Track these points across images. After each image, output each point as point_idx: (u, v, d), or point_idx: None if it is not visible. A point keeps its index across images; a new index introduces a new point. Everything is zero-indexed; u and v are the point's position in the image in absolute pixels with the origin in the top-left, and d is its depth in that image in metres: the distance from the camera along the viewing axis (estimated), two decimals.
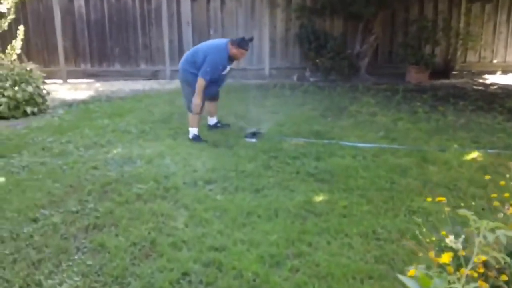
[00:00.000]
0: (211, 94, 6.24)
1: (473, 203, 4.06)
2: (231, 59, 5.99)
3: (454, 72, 11.62)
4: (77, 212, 4.05)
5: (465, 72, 11.77)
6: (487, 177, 3.25)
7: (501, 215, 1.97)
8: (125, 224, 3.76)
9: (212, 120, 6.72)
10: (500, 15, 11.91)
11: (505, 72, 11.95)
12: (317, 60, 10.81)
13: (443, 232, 1.83)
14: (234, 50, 5.89)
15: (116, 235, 3.60)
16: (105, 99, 9.05)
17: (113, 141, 6.13)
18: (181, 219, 3.87)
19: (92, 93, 9.79)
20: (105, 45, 11.37)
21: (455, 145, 5.74)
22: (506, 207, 1.85)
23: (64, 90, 10.16)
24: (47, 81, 10.54)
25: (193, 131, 6.11)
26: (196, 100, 5.91)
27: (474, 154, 5.43)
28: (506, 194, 2.23)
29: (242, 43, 5.92)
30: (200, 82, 5.83)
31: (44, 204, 4.18)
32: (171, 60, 11.38)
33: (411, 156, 5.35)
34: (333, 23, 11.43)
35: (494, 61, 12.15)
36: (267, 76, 11.48)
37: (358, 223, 3.75)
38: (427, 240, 2.32)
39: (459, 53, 11.75)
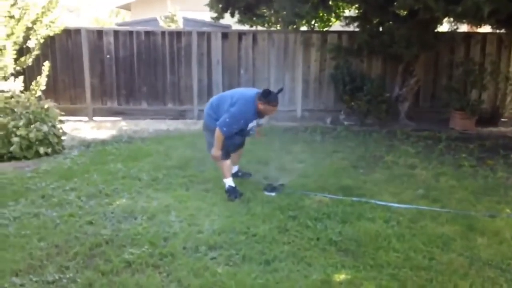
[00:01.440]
0: (235, 145, 5.60)
1: None
2: (259, 114, 5.24)
3: (503, 120, 10.74)
4: (52, 282, 3.43)
5: None
6: None
7: None
8: None
9: (233, 168, 6.06)
10: None
11: None
12: (353, 103, 10.14)
13: None
14: (261, 106, 5.10)
15: None
16: (126, 139, 8.61)
17: (120, 189, 5.56)
18: None
19: (114, 132, 9.38)
20: (133, 82, 11.06)
21: (508, 210, 4.90)
22: None
23: (87, 128, 9.82)
24: (72, 118, 10.35)
25: (227, 182, 5.37)
26: (215, 151, 5.25)
27: None
28: None
29: (270, 98, 5.05)
30: (217, 133, 5.15)
31: (19, 270, 3.59)
32: (199, 100, 10.97)
33: (455, 223, 4.51)
34: (371, 64, 10.85)
35: None
36: (299, 118, 10.91)
37: None
38: None
39: (508, 99, 10.85)
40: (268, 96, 5.07)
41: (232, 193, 5.27)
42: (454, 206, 5.07)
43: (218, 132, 5.14)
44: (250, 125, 5.30)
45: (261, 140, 5.92)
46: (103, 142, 8.31)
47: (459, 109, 10.07)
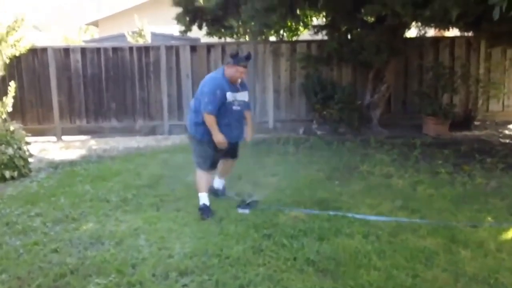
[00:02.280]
0: (230, 137, 5.23)
1: None
2: (233, 83, 5.12)
3: (476, 123, 10.75)
4: None
5: (488, 123, 10.92)
6: None
7: None
8: None
9: (219, 182, 5.78)
10: None
11: None
12: (325, 112, 10.04)
13: None
14: (228, 70, 5.07)
15: None
16: (95, 159, 8.36)
17: (87, 213, 5.31)
18: None
19: (83, 152, 9.10)
20: (102, 100, 10.83)
21: (489, 218, 4.78)
22: None
23: (55, 149, 9.52)
24: (40, 139, 10.05)
25: (202, 198, 5.18)
26: (216, 137, 5.06)
27: None
28: None
29: (237, 58, 5.04)
30: (206, 117, 5.02)
31: None
32: (169, 115, 10.82)
33: (436, 235, 4.35)
34: (341, 72, 10.81)
35: None
36: (271, 129, 10.76)
37: None
38: None
39: (480, 102, 10.93)
40: (235, 57, 5.06)
41: (205, 211, 5.06)
42: (434, 216, 4.92)
43: (206, 116, 5.04)
44: (229, 95, 5.07)
45: (249, 143, 5.74)
46: (72, 163, 8.04)
47: (432, 114, 10.01)
